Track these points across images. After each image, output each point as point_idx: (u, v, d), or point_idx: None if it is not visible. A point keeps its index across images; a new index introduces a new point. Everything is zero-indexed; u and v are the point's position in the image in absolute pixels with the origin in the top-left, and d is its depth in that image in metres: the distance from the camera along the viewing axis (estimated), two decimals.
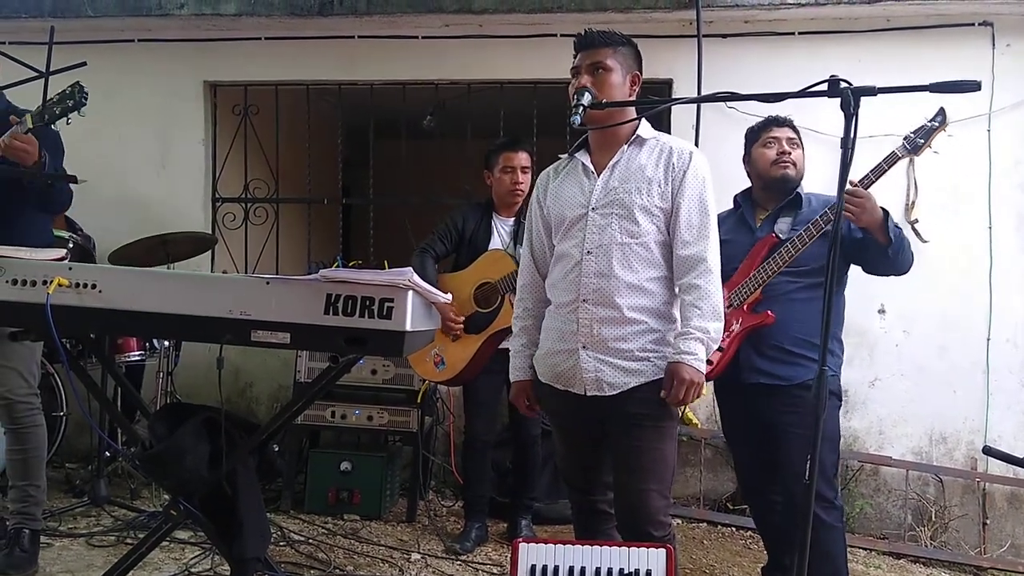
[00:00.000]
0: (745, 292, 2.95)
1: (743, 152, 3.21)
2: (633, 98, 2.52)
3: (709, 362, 2.75)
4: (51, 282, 2.22)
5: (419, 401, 4.29)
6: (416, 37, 5.03)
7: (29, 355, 3.25)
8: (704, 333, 2.35)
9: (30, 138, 2.84)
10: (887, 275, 2.99)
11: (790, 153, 3.04)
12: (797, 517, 2.27)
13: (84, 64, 2.61)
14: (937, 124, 2.94)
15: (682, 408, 2.65)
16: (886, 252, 2.82)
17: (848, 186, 2.56)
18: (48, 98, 2.79)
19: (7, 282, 2.26)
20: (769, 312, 2.90)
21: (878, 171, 2.89)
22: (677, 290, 2.47)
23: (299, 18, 4.91)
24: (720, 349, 2.87)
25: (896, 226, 2.83)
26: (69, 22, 4.93)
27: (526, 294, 2.71)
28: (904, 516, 4.43)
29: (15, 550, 3.19)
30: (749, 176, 3.20)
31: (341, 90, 5.31)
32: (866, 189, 2.81)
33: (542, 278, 2.68)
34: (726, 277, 2.89)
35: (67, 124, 2.80)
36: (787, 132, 3.09)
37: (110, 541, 3.65)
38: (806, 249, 2.88)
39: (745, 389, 2.96)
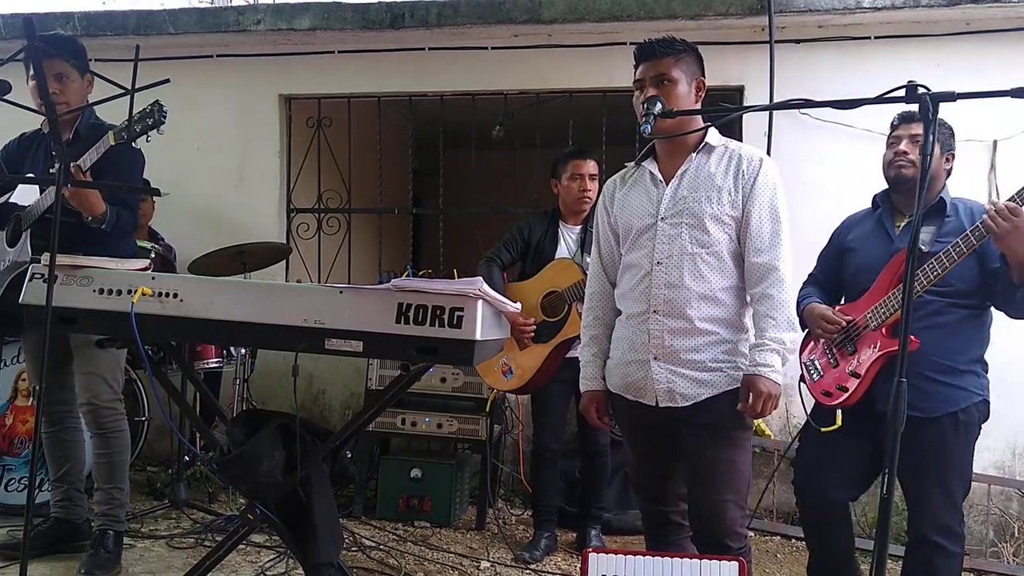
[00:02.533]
0: (884, 312, 2.67)
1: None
2: (699, 104, 2.50)
3: (842, 388, 2.68)
4: (135, 291, 2.30)
5: (488, 410, 4.31)
6: (485, 48, 5.07)
7: (114, 362, 3.37)
8: (780, 344, 2.32)
9: (94, 193, 2.99)
10: (1006, 313, 2.67)
11: (908, 153, 2.73)
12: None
13: (167, 81, 2.69)
14: None
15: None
16: (1015, 292, 2.51)
17: (996, 203, 2.41)
18: (129, 117, 2.89)
19: (95, 291, 2.35)
20: (912, 338, 2.48)
21: None
22: (749, 299, 2.44)
23: (371, 31, 5.00)
24: (855, 375, 2.69)
25: None
26: (151, 39, 5.11)
27: (595, 302, 2.70)
28: (986, 532, 4.28)
29: (100, 551, 3.30)
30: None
31: (412, 101, 5.38)
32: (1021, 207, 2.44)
33: (611, 286, 2.67)
34: (860, 290, 2.78)
35: (147, 142, 2.90)
36: (912, 128, 2.75)
37: (189, 543, 3.75)
38: (953, 268, 2.55)
39: (879, 417, 2.58)
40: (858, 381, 2.68)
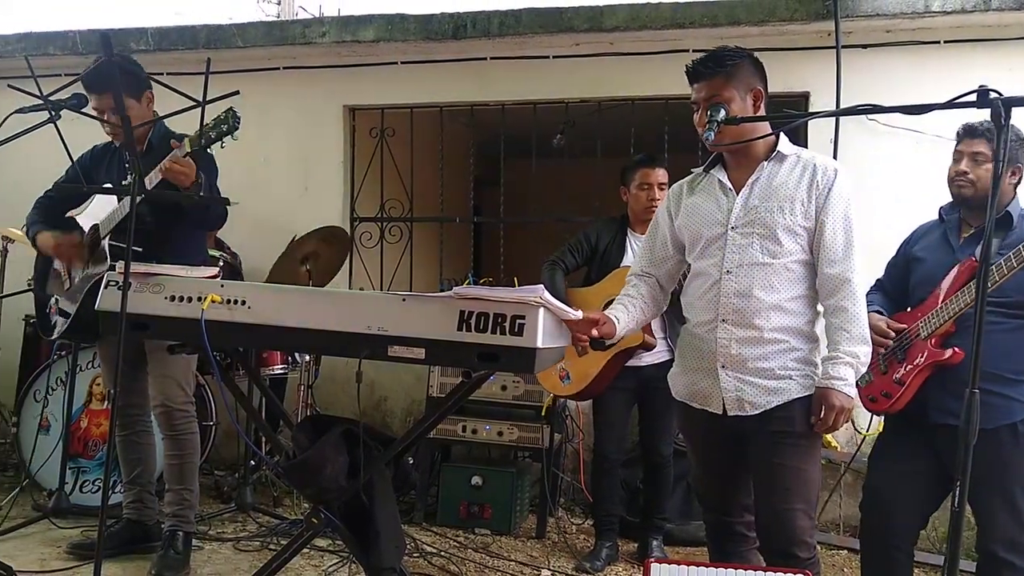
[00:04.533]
0: (935, 323, 2.64)
1: None
2: (759, 114, 2.45)
3: (886, 395, 2.66)
4: (205, 298, 2.35)
5: (544, 414, 4.30)
6: (547, 57, 5.08)
7: (186, 366, 3.46)
8: (854, 358, 2.29)
9: (188, 161, 3.02)
10: None
11: (967, 173, 2.68)
12: None
13: (237, 93, 2.75)
14: None
15: None
16: None
17: None
18: (204, 124, 2.96)
19: (166, 298, 2.41)
20: (956, 349, 2.58)
21: None
22: (822, 311, 2.41)
23: (434, 42, 5.05)
24: (900, 383, 2.67)
25: None
26: (221, 53, 5.23)
27: (638, 280, 2.68)
28: None
29: (169, 552, 3.38)
30: None
31: (473, 111, 5.42)
32: None
33: (654, 279, 2.67)
34: (919, 300, 2.75)
35: (221, 148, 2.97)
36: (974, 145, 2.69)
37: (255, 546, 3.82)
38: (1012, 277, 2.50)
39: (933, 429, 2.63)
40: (902, 389, 2.67)
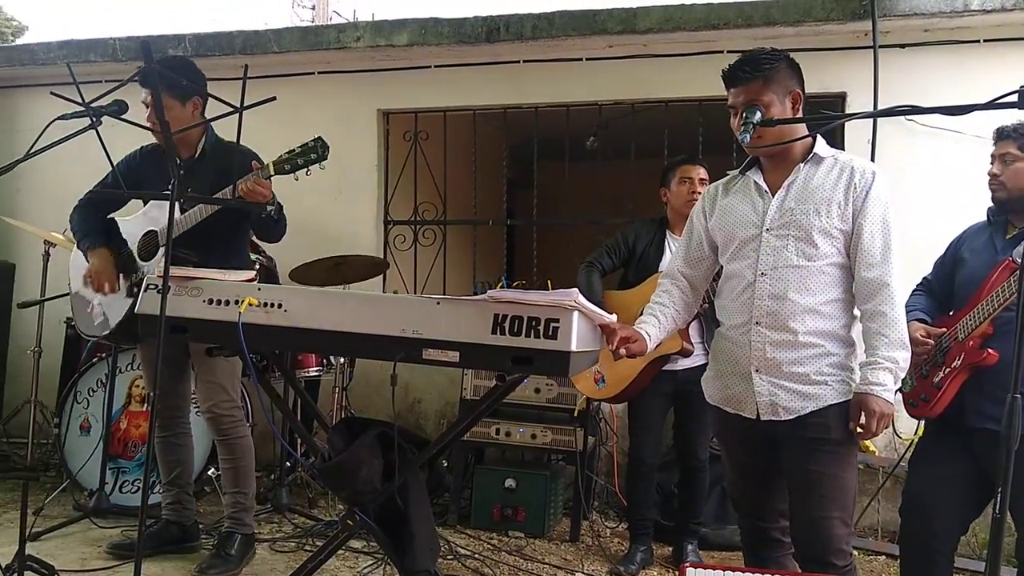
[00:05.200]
0: (972, 324, 2.60)
1: None
2: (797, 116, 2.43)
3: (925, 399, 2.64)
4: (242, 302, 2.38)
5: (575, 416, 4.29)
6: (580, 59, 5.08)
7: (232, 371, 3.50)
8: (893, 363, 2.26)
9: (267, 184, 3.09)
10: None
11: (998, 175, 2.67)
12: None
13: (274, 99, 2.78)
14: None
15: None
16: None
17: None
18: (291, 149, 3.00)
19: (204, 302, 2.44)
20: (990, 351, 2.53)
21: None
22: (859, 315, 2.38)
23: (467, 45, 5.07)
24: (938, 387, 2.65)
25: None
26: (257, 58, 5.29)
27: (670, 285, 2.67)
28: None
29: (222, 552, 3.44)
30: None
31: (506, 114, 5.43)
32: None
33: (686, 280, 2.66)
34: (962, 302, 2.72)
35: (307, 175, 3.01)
36: (1003, 147, 2.69)
37: (291, 547, 3.85)
38: None
39: (970, 433, 2.60)
40: (940, 392, 2.64)
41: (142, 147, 3.61)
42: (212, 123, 3.41)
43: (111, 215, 3.58)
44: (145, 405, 4.29)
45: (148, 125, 3.11)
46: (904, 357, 2.29)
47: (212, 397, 3.46)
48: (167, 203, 3.27)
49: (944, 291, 2.89)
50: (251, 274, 3.42)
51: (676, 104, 5.02)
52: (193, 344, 3.30)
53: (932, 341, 2.71)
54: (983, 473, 2.58)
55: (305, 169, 2.98)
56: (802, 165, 2.42)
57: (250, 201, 3.09)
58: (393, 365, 2.27)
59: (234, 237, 3.46)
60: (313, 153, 2.94)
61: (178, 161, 3.46)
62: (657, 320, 2.58)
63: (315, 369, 4.64)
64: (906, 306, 2.71)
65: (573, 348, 2.15)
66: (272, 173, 3.05)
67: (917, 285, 2.96)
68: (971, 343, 2.60)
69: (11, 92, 6.10)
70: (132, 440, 4.30)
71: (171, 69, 3.28)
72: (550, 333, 2.16)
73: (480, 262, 5.71)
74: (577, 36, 4.86)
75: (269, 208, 3.16)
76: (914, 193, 4.31)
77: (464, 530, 4.27)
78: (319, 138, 2.94)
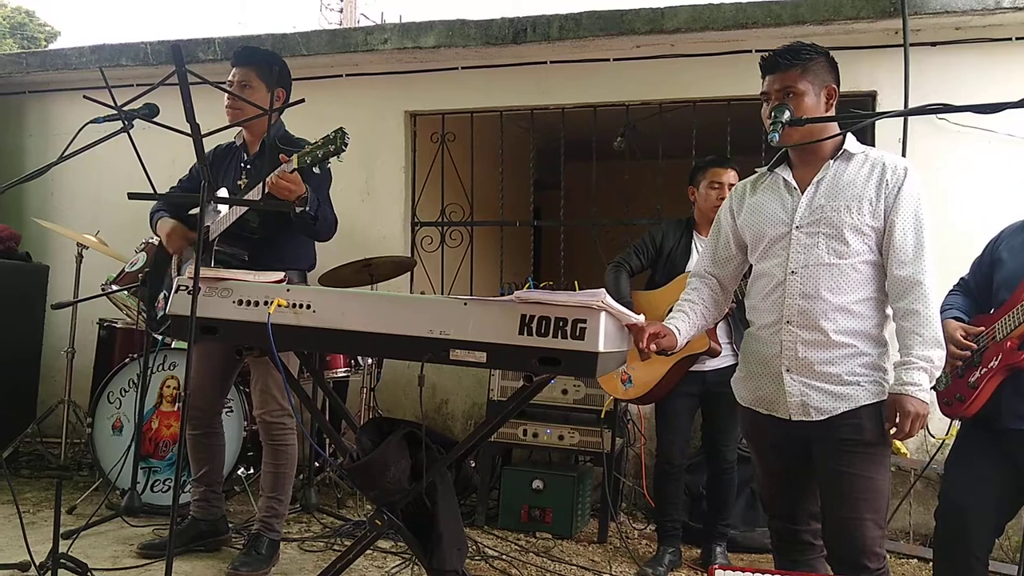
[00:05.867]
0: (1011, 324, 2.55)
1: None
2: (831, 112, 2.42)
3: (960, 399, 2.61)
4: (271, 303, 2.39)
5: (603, 417, 4.28)
6: (607, 60, 5.07)
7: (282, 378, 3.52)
8: (928, 362, 2.23)
9: (294, 177, 3.10)
10: None
11: None
12: None
13: (303, 101, 2.81)
14: None
15: None
16: None
17: None
18: (313, 142, 3.03)
19: (234, 303, 2.46)
20: None
21: None
22: (891, 313, 2.35)
23: (494, 47, 5.07)
24: (973, 387, 2.61)
25: None
26: (285, 61, 5.30)
27: (699, 283, 2.66)
28: None
29: (252, 552, 3.47)
30: None
31: (533, 115, 5.43)
32: None
33: (715, 279, 2.65)
34: (1000, 302, 2.69)
35: (338, 162, 3.04)
36: None
37: (319, 547, 3.87)
38: None
39: (1006, 435, 2.57)
40: (976, 393, 2.60)
41: (217, 146, 3.68)
42: (271, 120, 3.42)
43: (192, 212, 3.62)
44: (176, 405, 4.33)
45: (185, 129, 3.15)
46: (939, 356, 2.26)
47: (265, 404, 3.51)
48: (212, 200, 3.34)
49: (982, 292, 2.84)
50: (280, 275, 3.44)
51: (704, 104, 5.00)
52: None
53: (973, 345, 2.66)
54: (1019, 475, 2.55)
55: (327, 161, 3.00)
56: (832, 161, 2.40)
57: (279, 199, 3.11)
58: (420, 366, 2.27)
59: (279, 235, 3.47)
60: (332, 144, 2.96)
61: (245, 157, 3.57)
62: (687, 316, 2.57)
63: (343, 370, 4.66)
64: (942, 306, 2.68)
65: (601, 349, 2.14)
66: (295, 167, 3.07)
67: (954, 286, 2.92)
68: (1009, 344, 2.56)
69: (45, 96, 6.20)
70: (163, 440, 4.34)
71: (264, 58, 3.35)
72: (577, 334, 2.15)
73: (507, 263, 5.71)
74: (604, 36, 4.85)
75: (297, 208, 3.17)
76: (946, 192, 4.26)
77: (492, 530, 4.28)
78: (340, 128, 2.96)
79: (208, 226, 3.45)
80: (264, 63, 3.40)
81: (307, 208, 3.20)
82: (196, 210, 3.46)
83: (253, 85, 3.43)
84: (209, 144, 2.97)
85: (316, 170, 3.11)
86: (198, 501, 3.71)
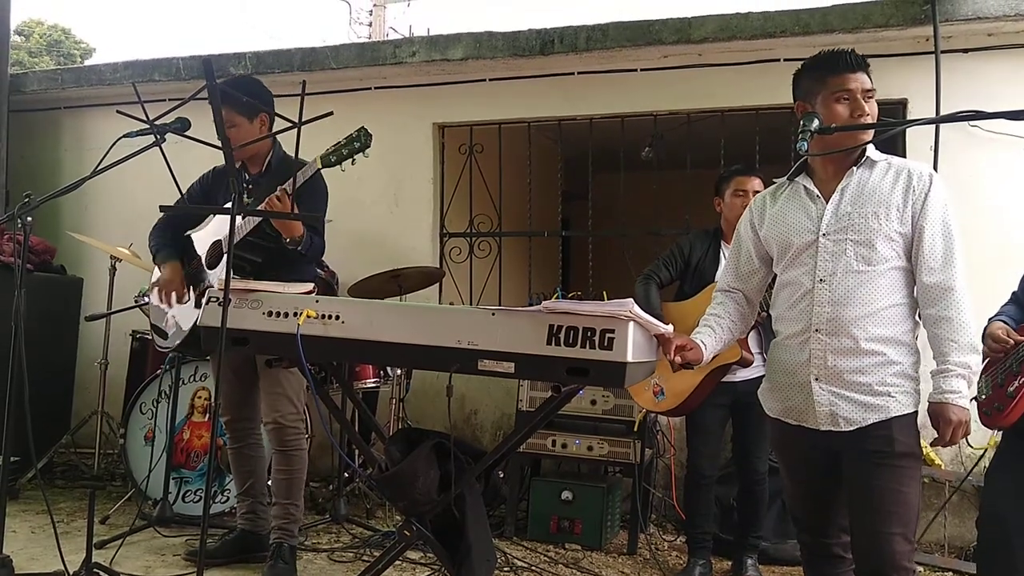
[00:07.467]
0: None
1: None
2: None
3: (999, 409, 2.58)
4: (301, 314, 2.41)
5: (635, 430, 4.26)
6: (635, 70, 5.07)
7: (298, 383, 3.55)
8: (965, 368, 2.20)
9: (285, 200, 3.17)
10: None
11: None
12: None
13: (331, 113, 2.83)
14: None
15: (924, 447, 2.47)
16: None
17: None
18: (337, 142, 3.07)
19: (264, 314, 2.48)
20: None
21: None
22: (922, 321, 2.32)
23: (521, 58, 5.09)
24: (1012, 396, 2.57)
25: None
26: (315, 75, 5.38)
27: (724, 297, 2.65)
28: None
29: (278, 562, 3.46)
30: None
31: (561, 126, 5.43)
32: None
33: (741, 294, 2.63)
34: None
35: (352, 165, 3.12)
36: None
37: (349, 557, 3.88)
38: None
39: None
40: (1014, 402, 2.56)
41: (215, 167, 3.72)
42: (273, 138, 3.49)
43: (188, 232, 3.67)
44: (207, 416, 4.37)
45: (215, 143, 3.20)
46: (976, 361, 2.24)
47: (279, 408, 3.51)
48: (241, 212, 3.40)
49: None
50: (309, 286, 3.46)
51: (732, 114, 4.98)
52: (257, 357, 3.37)
53: (1011, 341, 2.61)
54: None
55: (351, 159, 3.03)
56: (855, 169, 2.38)
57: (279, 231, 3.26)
58: (449, 376, 2.28)
59: (285, 258, 3.50)
60: (357, 142, 3.00)
61: (246, 176, 3.59)
62: (712, 331, 2.55)
63: (372, 381, 4.68)
64: (994, 315, 2.65)
65: (629, 359, 2.14)
66: (320, 167, 3.14)
67: (1007, 301, 2.87)
68: None
69: (80, 111, 6.31)
70: (194, 450, 4.38)
71: (234, 87, 3.37)
72: (606, 344, 2.15)
73: (535, 273, 5.71)
74: (631, 47, 4.85)
75: (286, 240, 3.28)
76: (978, 200, 4.20)
77: (521, 541, 4.26)
78: (362, 128, 2.99)
79: (220, 239, 3.50)
80: (234, 99, 3.32)
81: (299, 248, 3.31)
82: (194, 231, 3.57)
83: (236, 123, 3.43)
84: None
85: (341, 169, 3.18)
86: (246, 514, 3.73)
